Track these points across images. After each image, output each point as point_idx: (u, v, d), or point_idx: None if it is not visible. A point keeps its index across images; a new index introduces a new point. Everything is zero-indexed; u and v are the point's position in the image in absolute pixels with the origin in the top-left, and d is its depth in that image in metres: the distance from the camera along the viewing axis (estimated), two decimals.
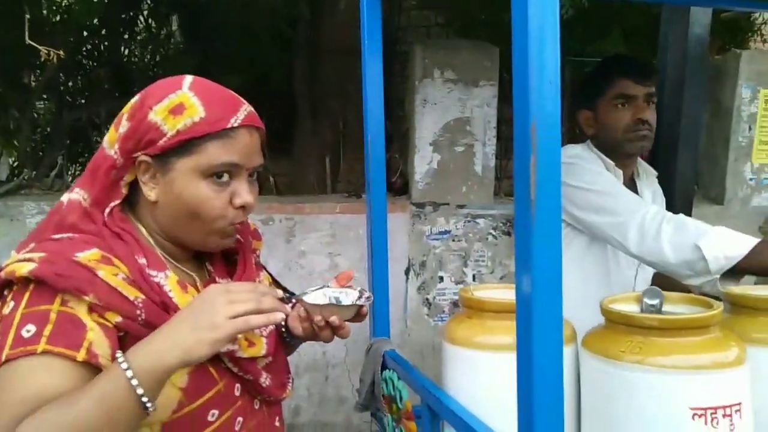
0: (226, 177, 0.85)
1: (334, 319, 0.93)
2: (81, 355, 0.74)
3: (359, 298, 0.95)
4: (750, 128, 2.90)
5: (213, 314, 0.75)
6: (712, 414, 0.82)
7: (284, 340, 1.10)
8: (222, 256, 0.98)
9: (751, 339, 0.93)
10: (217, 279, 0.94)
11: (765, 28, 4.15)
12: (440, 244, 2.79)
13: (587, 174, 1.45)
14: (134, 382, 0.70)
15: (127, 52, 3.50)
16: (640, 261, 1.39)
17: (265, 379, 0.92)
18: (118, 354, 0.74)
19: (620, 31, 3.30)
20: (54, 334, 0.74)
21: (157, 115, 0.83)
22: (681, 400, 0.83)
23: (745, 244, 1.18)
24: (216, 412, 0.85)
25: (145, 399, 0.71)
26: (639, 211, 1.33)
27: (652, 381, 0.85)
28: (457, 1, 3.68)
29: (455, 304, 2.83)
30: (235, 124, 0.84)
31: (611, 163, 1.55)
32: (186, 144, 0.83)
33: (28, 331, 0.74)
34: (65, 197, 0.89)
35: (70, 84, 3.23)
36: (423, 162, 2.77)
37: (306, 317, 0.97)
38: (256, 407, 0.93)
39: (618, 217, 1.35)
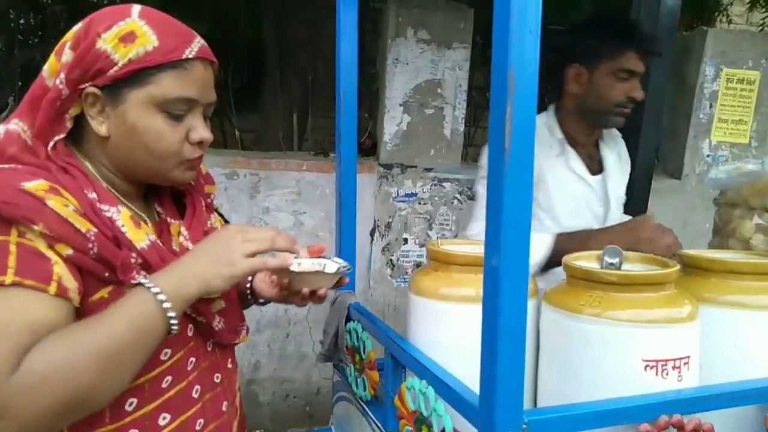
0: (181, 112, 0.82)
1: (323, 291, 0.96)
2: (53, 289, 0.72)
3: (338, 268, 0.96)
4: (711, 106, 2.98)
5: (231, 251, 0.79)
6: (662, 365, 0.86)
7: (245, 297, 1.10)
8: (171, 197, 0.96)
9: (702, 298, 0.97)
10: (168, 219, 0.92)
11: (731, 9, 4.23)
12: (406, 207, 2.81)
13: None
14: (167, 305, 0.74)
15: None
16: None
17: (218, 323, 0.92)
18: (143, 280, 0.76)
19: (591, 1, 3.32)
20: (21, 267, 0.70)
21: (106, 43, 0.78)
22: (635, 351, 0.86)
23: (545, 240, 1.36)
24: (168, 351, 0.85)
25: (174, 321, 0.75)
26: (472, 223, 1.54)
27: (609, 333, 0.88)
28: None
29: (418, 265, 2.86)
30: (190, 56, 0.82)
31: (563, 137, 1.53)
32: (138, 74, 0.79)
33: None
34: (2, 128, 0.82)
35: (22, 21, 3.06)
36: (392, 123, 2.75)
37: (278, 282, 0.99)
38: (209, 349, 0.93)
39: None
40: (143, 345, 0.74)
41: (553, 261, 1.35)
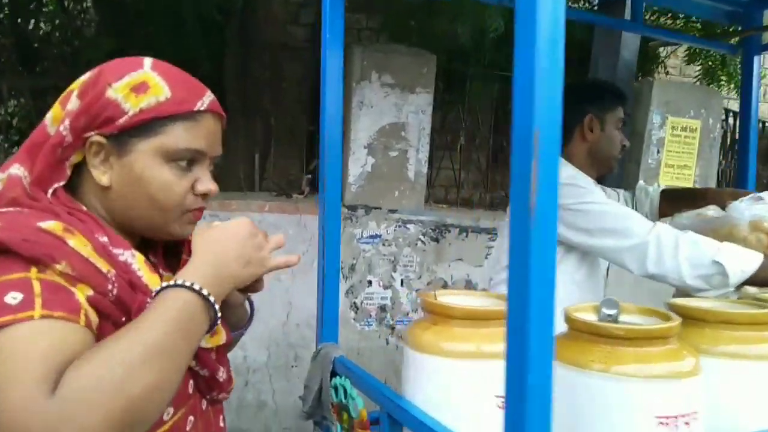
0: (188, 163, 0.81)
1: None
2: (82, 321, 0.66)
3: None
4: (658, 151, 3.14)
5: (257, 248, 0.81)
6: (674, 422, 0.85)
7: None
8: (163, 248, 0.92)
9: (699, 349, 0.98)
10: (160, 271, 0.87)
11: (667, 61, 4.53)
12: (370, 248, 2.78)
13: (588, 195, 1.49)
14: (212, 298, 0.73)
15: (32, 24, 3.19)
16: (652, 278, 1.44)
17: (221, 374, 0.87)
18: (179, 279, 0.73)
19: None
20: (48, 300, 0.65)
21: (117, 92, 0.77)
22: (647, 408, 0.85)
23: (756, 258, 1.31)
24: (171, 410, 0.79)
25: (219, 315, 0.74)
26: (653, 231, 1.39)
27: (619, 389, 0.87)
28: (389, 6, 3.70)
29: (382, 308, 2.82)
30: (202, 108, 0.81)
31: (591, 181, 1.62)
32: (149, 124, 0.77)
33: (14, 299, 0.64)
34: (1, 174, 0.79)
35: None
36: (357, 165, 2.75)
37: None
38: (204, 407, 0.88)
39: (633, 239, 1.40)
40: (188, 341, 0.70)
41: (753, 279, 1.33)
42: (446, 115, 3.58)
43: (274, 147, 3.30)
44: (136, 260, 0.77)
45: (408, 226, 2.82)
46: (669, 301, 1.14)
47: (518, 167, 0.71)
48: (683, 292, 1.48)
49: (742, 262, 1.31)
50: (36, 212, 0.73)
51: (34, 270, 0.68)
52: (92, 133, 0.77)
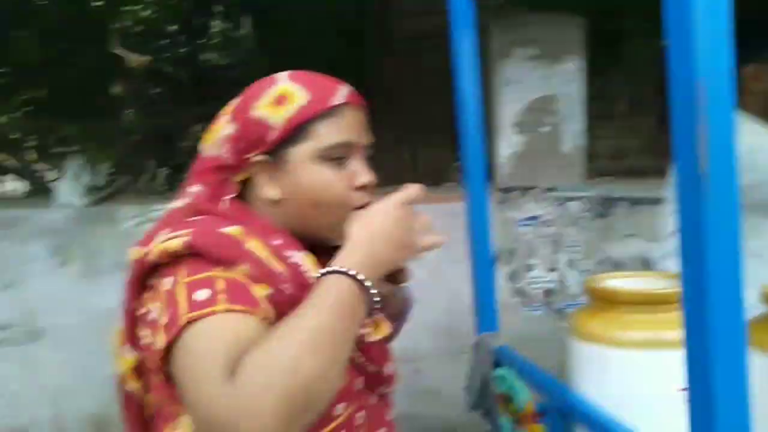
0: (341, 157, 0.83)
1: None
2: (261, 313, 0.72)
3: None
4: None
5: (408, 230, 0.78)
6: None
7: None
8: (327, 258, 0.94)
9: None
10: None
11: None
12: (529, 231, 2.66)
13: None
14: (368, 283, 0.72)
15: (203, 56, 3.58)
16: None
17: (388, 368, 0.89)
18: (335, 265, 0.73)
19: None
20: (231, 295, 0.71)
21: (261, 110, 0.82)
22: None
23: None
24: (341, 405, 0.81)
25: (374, 292, 0.73)
26: None
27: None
28: None
29: (548, 292, 2.69)
30: (341, 101, 0.83)
31: None
32: (297, 131, 0.81)
33: (201, 295, 0.70)
34: (180, 201, 0.87)
35: (153, 91, 3.34)
36: (507, 145, 2.65)
37: None
38: (373, 402, 0.89)
39: None
40: (349, 327, 0.71)
41: None
42: (603, 81, 3.30)
43: (421, 139, 3.32)
44: (306, 261, 0.81)
45: (569, 204, 2.66)
46: None
47: (681, 130, 0.61)
48: None
49: None
50: (220, 219, 0.81)
51: (219, 269, 0.73)
52: (251, 154, 0.82)
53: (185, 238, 0.74)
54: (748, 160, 1.22)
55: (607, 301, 0.93)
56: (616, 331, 0.89)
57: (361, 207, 0.84)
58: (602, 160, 3.35)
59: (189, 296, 0.70)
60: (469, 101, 1.33)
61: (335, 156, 0.82)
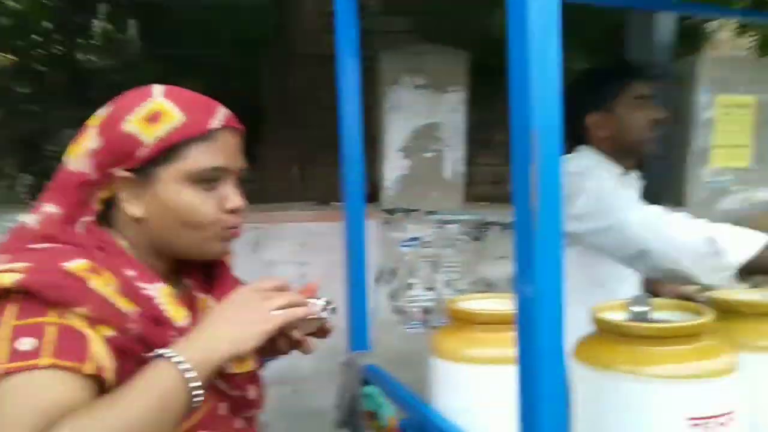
0: (212, 181, 0.82)
1: (294, 333, 0.86)
2: (89, 368, 0.68)
3: (323, 309, 0.88)
4: (707, 133, 2.99)
5: (259, 309, 0.76)
6: (708, 424, 0.81)
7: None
8: (200, 269, 0.93)
9: (739, 345, 0.92)
10: (194, 294, 0.90)
11: (714, 36, 4.31)
12: (411, 251, 2.77)
13: (588, 179, 1.37)
14: (190, 374, 0.70)
15: (82, 57, 3.37)
16: (646, 263, 1.28)
17: (252, 393, 0.89)
18: (163, 351, 0.71)
19: (579, 43, 3.36)
20: (58, 347, 0.68)
21: (132, 125, 0.79)
22: (678, 409, 0.81)
23: (759, 238, 1.14)
24: None
25: (198, 392, 0.70)
26: (634, 210, 1.28)
27: (648, 391, 0.83)
28: (420, 7, 3.68)
29: (426, 311, 2.81)
30: (216, 125, 0.82)
31: (618, 170, 1.51)
32: (168, 151, 0.79)
33: (25, 345, 0.67)
34: (32, 217, 0.82)
35: (20, 91, 3.08)
36: (392, 168, 2.75)
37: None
38: (239, 426, 0.89)
39: (609, 219, 1.29)
40: (169, 419, 0.69)
41: (757, 264, 1.16)
42: (484, 111, 3.53)
43: (314, 156, 3.34)
44: (161, 294, 0.79)
45: (448, 226, 2.80)
46: (707, 294, 1.09)
47: (518, 169, 0.69)
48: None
49: (743, 242, 1.14)
50: (66, 249, 0.76)
51: (53, 314, 0.70)
52: (116, 169, 0.79)
53: (19, 276, 0.70)
54: (577, 179, 1.36)
55: (461, 321, 1.00)
56: (466, 348, 0.96)
57: (230, 228, 0.85)
58: (481, 186, 3.56)
59: (12, 343, 0.67)
60: (350, 124, 1.38)
61: (205, 179, 0.81)
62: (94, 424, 0.64)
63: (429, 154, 2.78)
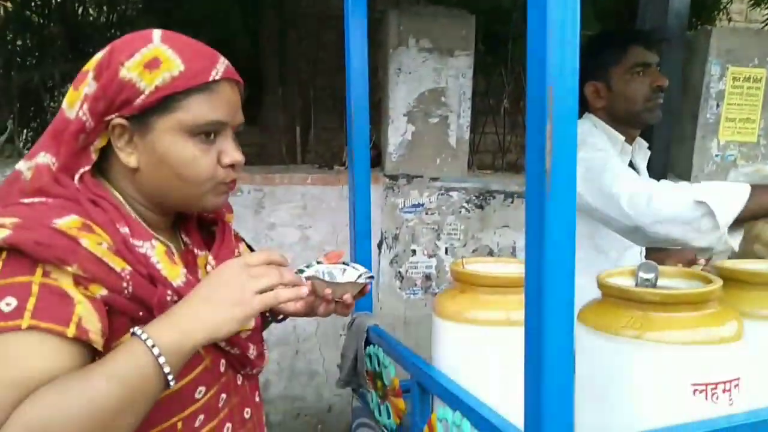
0: (211, 134, 0.80)
1: (347, 297, 0.94)
2: (71, 331, 0.67)
3: (360, 276, 0.94)
4: (717, 105, 2.95)
5: (240, 290, 0.73)
6: (712, 389, 0.81)
7: (265, 317, 1.06)
8: (198, 227, 0.93)
9: (744, 313, 0.92)
10: (195, 251, 0.89)
11: (730, 7, 4.21)
12: (413, 217, 2.76)
13: (582, 149, 1.36)
14: (162, 359, 0.67)
15: (81, 10, 3.29)
16: (641, 237, 1.32)
17: (252, 351, 0.89)
18: (138, 330, 0.69)
19: (593, 11, 3.28)
20: (39, 308, 0.66)
21: (130, 71, 0.76)
22: (682, 375, 0.82)
23: (743, 189, 1.15)
24: (203, 388, 0.81)
25: (170, 377, 0.68)
26: (627, 182, 1.30)
27: (652, 356, 0.84)
28: None
29: (427, 277, 2.82)
30: (217, 77, 0.79)
31: (621, 137, 1.51)
32: (166, 100, 0.76)
33: (8, 305, 0.66)
34: (25, 165, 0.79)
35: (19, 43, 3.02)
36: (396, 133, 2.71)
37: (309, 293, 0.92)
38: (239, 383, 0.89)
39: (606, 191, 1.32)
40: (138, 403, 0.67)
41: (747, 213, 1.18)
42: (489, 78, 3.47)
43: (315, 118, 3.30)
44: (155, 252, 0.77)
45: (451, 193, 2.78)
46: (715, 264, 1.08)
47: (532, 129, 0.68)
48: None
49: (729, 197, 1.15)
50: (58, 204, 0.74)
51: (39, 272, 0.68)
52: (113, 116, 0.76)
53: (6, 233, 0.67)
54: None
55: (465, 284, 1.00)
56: (471, 310, 0.96)
57: (228, 183, 0.83)
58: (486, 154, 3.54)
59: None
60: (358, 87, 1.35)
61: (204, 131, 0.79)
62: (60, 404, 0.62)
63: (434, 120, 2.74)
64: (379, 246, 2.74)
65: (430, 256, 2.78)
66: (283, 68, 3.28)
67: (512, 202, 2.85)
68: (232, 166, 0.82)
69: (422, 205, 2.76)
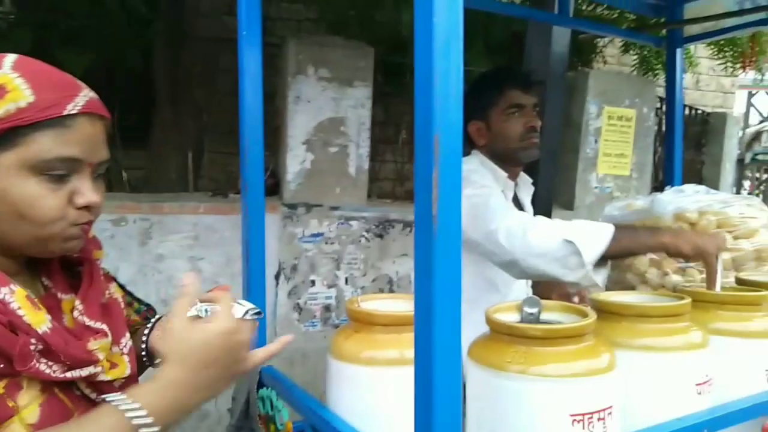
0: (62, 173, 0.73)
1: None
2: None
3: (246, 313, 0.86)
4: (596, 141, 3.21)
5: (239, 349, 0.77)
6: (588, 419, 0.85)
7: (142, 361, 0.99)
8: (62, 267, 0.84)
9: (616, 343, 0.99)
10: (58, 294, 0.81)
11: (605, 51, 4.64)
12: (312, 247, 2.73)
13: (467, 187, 1.42)
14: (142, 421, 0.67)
15: None
16: (519, 271, 1.38)
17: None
18: (125, 398, 0.68)
19: (483, 45, 3.49)
20: None
21: None
22: (561, 406, 0.85)
23: (607, 230, 1.24)
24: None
25: None
26: (505, 218, 1.36)
27: (535, 390, 0.87)
28: None
29: (327, 308, 2.79)
30: (74, 111, 0.72)
31: (503, 174, 1.59)
32: (8, 134, 0.69)
33: None
34: None
35: None
36: (295, 161, 2.69)
37: None
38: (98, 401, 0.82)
39: (486, 227, 1.37)
40: None
41: (610, 252, 1.25)
42: (388, 108, 3.56)
43: (210, 142, 3.20)
44: (15, 297, 0.70)
45: (350, 222, 2.79)
46: (590, 296, 1.15)
47: (421, 175, 0.69)
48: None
49: (594, 237, 1.24)
50: None
51: None
52: None
53: None
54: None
55: (360, 323, 0.99)
56: (365, 350, 0.95)
57: (80, 226, 0.77)
58: (386, 183, 3.60)
59: None
60: (251, 113, 1.31)
61: (52, 170, 0.72)
62: None
63: (333, 149, 2.75)
64: (277, 277, 2.67)
65: (329, 287, 2.76)
66: (175, 90, 3.15)
67: (411, 231, 2.91)
68: (87, 207, 0.76)
69: (322, 234, 2.74)
